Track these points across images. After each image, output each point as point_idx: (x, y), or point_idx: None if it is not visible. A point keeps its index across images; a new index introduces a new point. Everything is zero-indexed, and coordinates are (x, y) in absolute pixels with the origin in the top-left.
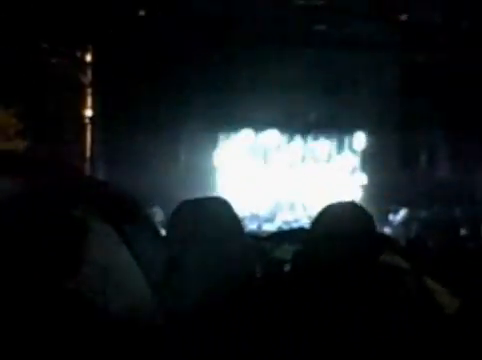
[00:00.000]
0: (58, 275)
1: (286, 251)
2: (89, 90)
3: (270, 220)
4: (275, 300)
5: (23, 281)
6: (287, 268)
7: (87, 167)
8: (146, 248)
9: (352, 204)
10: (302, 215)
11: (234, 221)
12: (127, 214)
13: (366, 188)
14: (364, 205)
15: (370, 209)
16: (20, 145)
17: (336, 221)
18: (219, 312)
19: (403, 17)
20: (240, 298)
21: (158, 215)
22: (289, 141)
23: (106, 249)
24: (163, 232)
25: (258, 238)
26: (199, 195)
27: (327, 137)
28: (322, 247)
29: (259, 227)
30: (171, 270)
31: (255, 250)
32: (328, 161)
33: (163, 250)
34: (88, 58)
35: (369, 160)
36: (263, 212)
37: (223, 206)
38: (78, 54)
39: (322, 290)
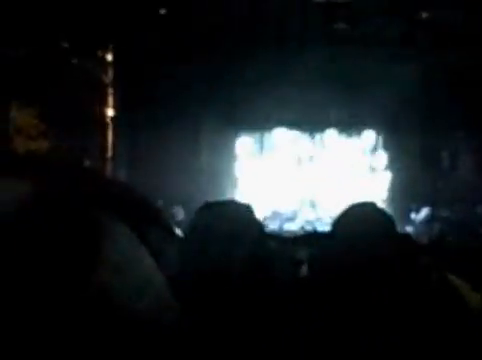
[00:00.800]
0: (77, 277)
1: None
2: (110, 89)
3: (292, 219)
4: (289, 305)
5: (41, 284)
6: (304, 270)
7: (108, 167)
8: (163, 249)
9: (372, 206)
10: (324, 214)
11: (250, 225)
12: (145, 216)
13: (388, 187)
14: (386, 204)
15: (392, 208)
16: (42, 145)
17: (356, 224)
18: (230, 315)
19: (424, 15)
20: (252, 302)
21: (179, 214)
22: (310, 140)
23: (124, 250)
24: (182, 231)
25: (279, 240)
26: (219, 194)
27: (348, 136)
28: (342, 251)
29: (281, 226)
30: (187, 271)
31: (274, 253)
32: (350, 160)
33: (180, 252)
34: (109, 57)
35: (391, 158)
36: (285, 211)
37: (241, 210)
38: (99, 53)
39: (342, 294)
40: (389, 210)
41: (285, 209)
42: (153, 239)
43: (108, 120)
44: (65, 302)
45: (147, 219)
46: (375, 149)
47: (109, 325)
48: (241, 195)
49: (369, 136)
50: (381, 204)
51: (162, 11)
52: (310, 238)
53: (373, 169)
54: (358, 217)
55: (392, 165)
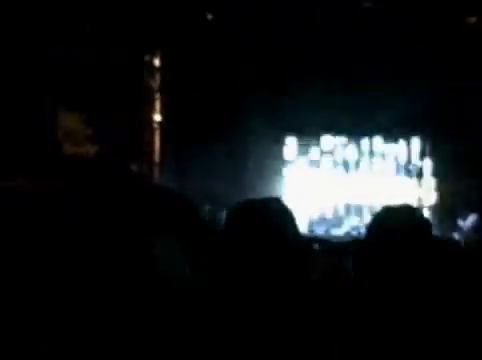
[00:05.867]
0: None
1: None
2: (158, 94)
3: (338, 225)
4: (333, 305)
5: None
6: (348, 273)
7: (156, 172)
8: (202, 252)
9: (409, 208)
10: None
11: (284, 222)
12: (189, 220)
13: (435, 193)
14: (432, 210)
15: (439, 214)
16: (90, 150)
17: (391, 226)
18: (262, 314)
19: (472, 20)
20: (289, 300)
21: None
22: (357, 145)
23: (169, 254)
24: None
25: (325, 244)
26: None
27: (395, 141)
28: (377, 253)
29: (327, 231)
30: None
31: (310, 253)
32: (396, 165)
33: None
34: (157, 62)
35: (437, 165)
36: (331, 216)
37: (275, 207)
38: (147, 58)
39: (383, 297)
40: (436, 216)
41: (331, 214)
42: (192, 241)
43: (156, 125)
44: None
45: (190, 224)
46: (422, 155)
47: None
48: (288, 200)
49: (416, 142)
50: (427, 210)
51: (209, 16)
52: (354, 244)
53: (419, 175)
54: (393, 219)
55: (439, 171)
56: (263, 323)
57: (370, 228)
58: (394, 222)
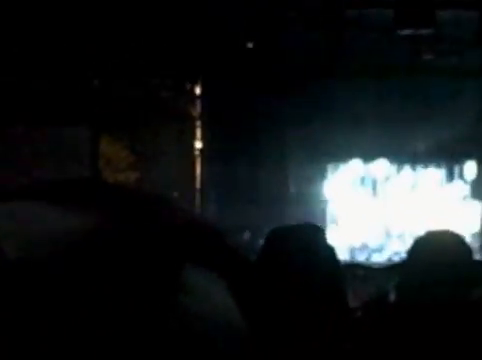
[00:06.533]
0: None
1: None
2: (198, 122)
3: (379, 250)
4: (379, 330)
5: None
6: (392, 297)
7: (197, 199)
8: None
9: (450, 234)
10: None
11: (321, 249)
12: (230, 260)
13: (478, 218)
14: (477, 235)
15: None
16: (131, 177)
17: (433, 252)
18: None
19: None
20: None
21: None
22: (398, 170)
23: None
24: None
25: (368, 269)
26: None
27: (437, 166)
28: (418, 278)
29: (368, 258)
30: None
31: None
32: (438, 190)
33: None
34: (197, 91)
35: (481, 190)
36: (372, 243)
37: (312, 233)
38: (187, 87)
39: (423, 324)
40: (479, 242)
41: (373, 241)
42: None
43: (197, 152)
44: (146, 326)
45: (231, 263)
46: (464, 179)
47: (187, 349)
48: (330, 226)
49: (458, 166)
50: (471, 236)
51: (249, 45)
52: (397, 267)
53: (463, 199)
54: (435, 244)
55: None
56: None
57: (411, 252)
58: (437, 247)
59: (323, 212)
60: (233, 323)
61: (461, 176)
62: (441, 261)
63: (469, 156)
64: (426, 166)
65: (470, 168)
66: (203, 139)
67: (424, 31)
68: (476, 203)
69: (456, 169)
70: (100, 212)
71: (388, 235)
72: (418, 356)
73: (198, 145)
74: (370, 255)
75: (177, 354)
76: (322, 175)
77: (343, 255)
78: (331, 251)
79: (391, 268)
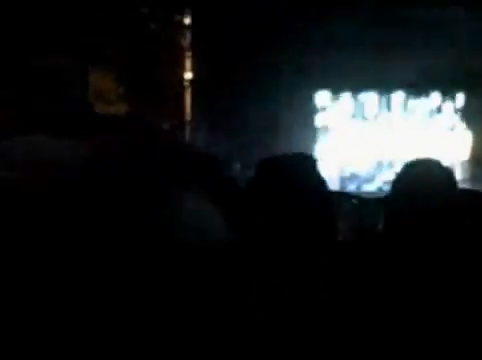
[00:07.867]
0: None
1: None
2: (188, 53)
3: (370, 180)
4: (367, 257)
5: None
6: (380, 228)
7: (188, 130)
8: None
9: (435, 163)
10: None
11: (311, 177)
12: (215, 177)
13: (467, 148)
14: (465, 164)
15: (472, 169)
16: (121, 109)
17: (417, 180)
18: (296, 271)
19: None
20: (323, 255)
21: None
22: (389, 100)
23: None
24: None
25: (359, 199)
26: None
27: (427, 96)
28: (403, 208)
29: (358, 187)
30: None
31: (337, 208)
32: (428, 120)
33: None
34: (187, 21)
35: (470, 120)
36: (363, 172)
37: (303, 162)
38: (177, 18)
39: (410, 251)
40: (468, 171)
41: (363, 170)
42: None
43: (186, 83)
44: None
45: (215, 181)
46: (455, 109)
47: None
48: (320, 157)
49: (449, 97)
50: (460, 165)
51: None
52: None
53: (452, 129)
54: (419, 173)
55: (471, 126)
56: (287, 280)
57: (396, 182)
58: (420, 175)
59: (314, 142)
60: (209, 232)
61: (451, 106)
62: (420, 187)
63: (459, 86)
64: (417, 96)
65: (460, 98)
66: (193, 70)
67: None
68: (466, 132)
69: (447, 99)
70: (102, 138)
71: (379, 165)
72: (406, 284)
73: (188, 76)
74: (361, 184)
75: (157, 249)
76: (313, 105)
77: (333, 185)
78: (322, 180)
79: (381, 199)
